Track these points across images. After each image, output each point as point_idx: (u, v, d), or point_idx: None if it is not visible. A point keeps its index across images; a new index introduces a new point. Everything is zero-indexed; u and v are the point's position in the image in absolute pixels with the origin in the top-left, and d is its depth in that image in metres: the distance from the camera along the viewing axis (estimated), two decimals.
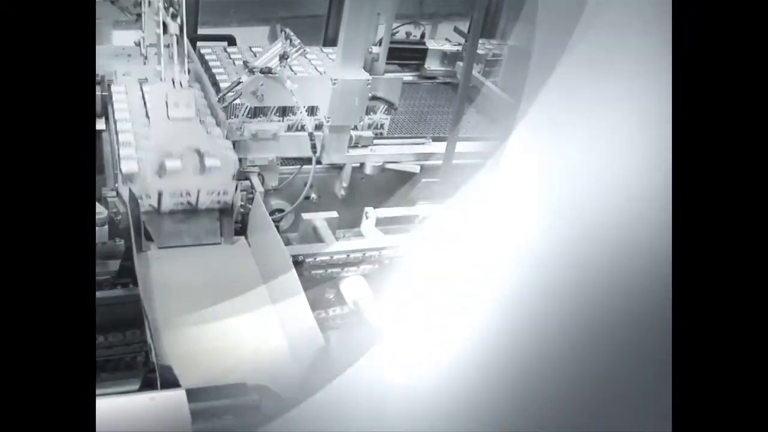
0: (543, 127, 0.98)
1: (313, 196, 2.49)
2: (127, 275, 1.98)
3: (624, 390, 0.90)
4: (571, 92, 0.96)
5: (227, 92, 2.23)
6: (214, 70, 2.45)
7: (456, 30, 3.33)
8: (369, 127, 2.49)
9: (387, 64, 2.44)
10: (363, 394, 1.18)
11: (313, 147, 2.23)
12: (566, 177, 0.94)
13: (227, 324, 1.72)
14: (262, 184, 2.33)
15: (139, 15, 2.35)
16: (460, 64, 3.17)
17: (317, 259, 2.00)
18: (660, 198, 0.80)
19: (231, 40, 2.88)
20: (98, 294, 1.80)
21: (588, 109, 0.94)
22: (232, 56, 2.57)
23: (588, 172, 0.91)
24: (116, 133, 2.01)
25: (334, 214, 2.25)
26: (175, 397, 1.28)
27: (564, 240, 0.92)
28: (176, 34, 1.79)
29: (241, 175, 2.17)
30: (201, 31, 3.05)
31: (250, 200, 2.08)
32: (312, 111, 2.34)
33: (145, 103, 2.17)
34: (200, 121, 1.93)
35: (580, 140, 0.94)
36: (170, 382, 1.45)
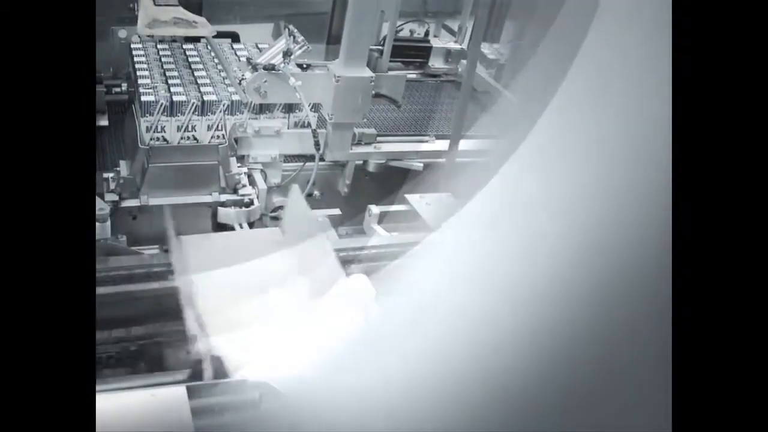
0: (544, 126, 0.98)
1: (316, 193, 2.49)
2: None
3: (624, 390, 0.90)
4: (572, 91, 0.96)
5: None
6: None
7: (444, 27, 3.33)
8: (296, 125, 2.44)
9: (391, 61, 2.43)
10: (365, 392, 1.18)
11: (317, 144, 2.23)
12: (566, 176, 0.94)
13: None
14: (265, 180, 2.33)
15: None
16: (464, 62, 3.16)
17: None
18: (660, 199, 0.79)
19: (235, 37, 2.89)
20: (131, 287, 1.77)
21: (588, 109, 0.93)
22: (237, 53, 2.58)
23: (588, 171, 0.91)
24: None
25: (336, 211, 2.26)
26: (176, 393, 1.28)
27: (564, 239, 0.92)
28: None
29: None
30: None
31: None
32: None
33: None
34: None
35: (582, 138, 0.93)
36: (220, 374, 1.43)
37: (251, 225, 2.20)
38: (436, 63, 3.26)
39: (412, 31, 3.35)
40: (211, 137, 2.21)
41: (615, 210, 0.88)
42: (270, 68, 2.16)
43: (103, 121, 2.40)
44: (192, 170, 2.17)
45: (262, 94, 2.19)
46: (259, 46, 2.60)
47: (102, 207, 1.87)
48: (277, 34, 3.26)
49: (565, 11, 1.08)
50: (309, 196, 2.34)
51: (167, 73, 2.33)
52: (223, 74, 2.39)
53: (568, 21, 1.05)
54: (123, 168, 2.16)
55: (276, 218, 2.25)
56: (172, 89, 2.21)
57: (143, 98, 2.14)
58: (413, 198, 2.22)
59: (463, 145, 2.38)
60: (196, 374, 1.48)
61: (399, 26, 3.15)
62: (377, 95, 2.37)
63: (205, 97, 2.19)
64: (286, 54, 2.16)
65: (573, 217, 0.91)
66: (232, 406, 1.34)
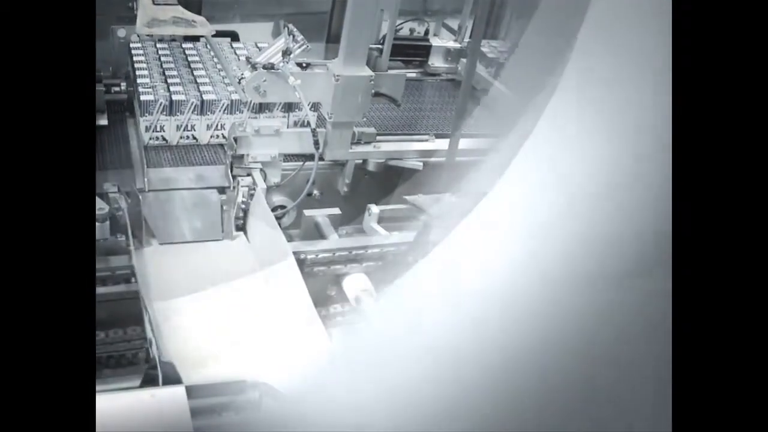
0: (544, 124, 0.98)
1: (316, 192, 2.48)
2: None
3: (624, 390, 0.89)
4: (572, 90, 0.95)
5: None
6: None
7: (444, 26, 3.33)
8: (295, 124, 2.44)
9: (390, 60, 2.43)
10: (365, 391, 1.17)
11: (316, 143, 2.23)
12: (565, 175, 0.93)
13: (227, 320, 1.73)
14: (264, 180, 2.33)
15: None
16: (464, 60, 3.16)
17: (319, 256, 2.00)
18: (660, 200, 0.79)
19: (234, 36, 2.89)
20: (101, 290, 1.79)
21: (589, 108, 0.93)
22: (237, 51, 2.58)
23: (588, 172, 0.91)
24: None
25: (336, 210, 2.25)
26: (176, 393, 1.28)
27: (564, 239, 0.91)
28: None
29: (244, 171, 2.18)
30: None
31: (251, 196, 2.09)
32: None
33: None
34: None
35: (579, 137, 0.93)
36: (172, 378, 1.45)
37: None
38: (435, 62, 3.26)
39: (412, 30, 3.35)
40: (210, 136, 2.21)
41: (614, 209, 0.88)
42: (269, 67, 2.16)
43: (102, 121, 2.40)
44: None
45: (261, 93, 2.18)
46: (259, 45, 2.60)
47: (102, 207, 1.87)
48: (276, 33, 3.27)
49: (558, 6, 1.08)
50: (309, 195, 2.33)
51: (166, 73, 2.34)
52: (222, 73, 2.39)
53: (562, 15, 1.05)
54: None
55: (277, 218, 2.25)
56: (172, 88, 2.21)
57: (142, 97, 2.14)
58: (413, 199, 2.22)
59: (463, 144, 2.38)
60: (149, 379, 1.49)
61: (399, 25, 3.15)
62: (377, 94, 2.37)
63: (205, 97, 2.19)
64: (286, 53, 2.16)
65: (572, 216, 0.91)
66: (231, 406, 1.34)
